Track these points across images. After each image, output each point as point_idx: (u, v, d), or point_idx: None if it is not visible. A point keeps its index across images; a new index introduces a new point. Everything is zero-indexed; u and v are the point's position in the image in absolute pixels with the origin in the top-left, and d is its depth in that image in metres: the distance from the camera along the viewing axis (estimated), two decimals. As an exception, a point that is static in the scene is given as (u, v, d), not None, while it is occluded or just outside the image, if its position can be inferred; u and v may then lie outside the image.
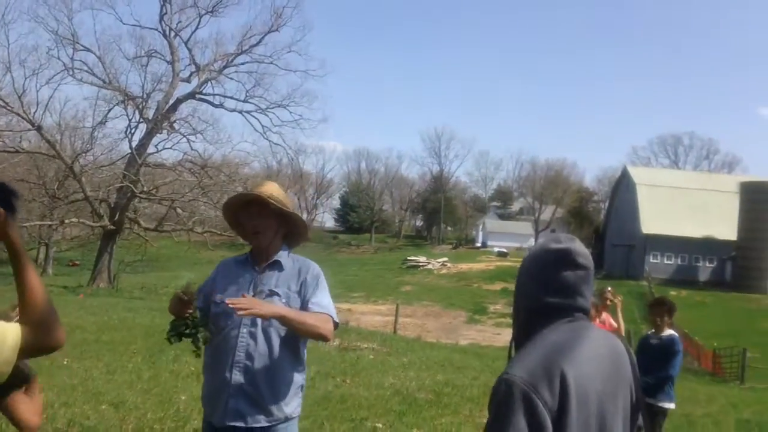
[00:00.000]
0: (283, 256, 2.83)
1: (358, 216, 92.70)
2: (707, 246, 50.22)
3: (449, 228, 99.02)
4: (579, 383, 1.45)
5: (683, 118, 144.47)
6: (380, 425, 6.26)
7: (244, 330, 2.66)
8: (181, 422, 5.54)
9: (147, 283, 33.89)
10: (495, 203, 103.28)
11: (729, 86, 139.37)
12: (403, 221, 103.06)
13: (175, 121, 31.49)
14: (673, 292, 43.43)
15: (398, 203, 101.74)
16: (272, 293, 2.70)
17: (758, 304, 41.62)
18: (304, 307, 2.70)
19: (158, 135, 31.27)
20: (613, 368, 1.60)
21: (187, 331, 2.65)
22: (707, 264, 51.21)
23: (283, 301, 2.70)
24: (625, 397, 1.60)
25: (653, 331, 5.55)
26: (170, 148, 32.08)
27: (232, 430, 2.63)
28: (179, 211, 31.36)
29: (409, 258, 65.78)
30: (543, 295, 1.62)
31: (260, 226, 2.75)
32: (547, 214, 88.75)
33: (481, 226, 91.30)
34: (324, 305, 2.73)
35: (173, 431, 5.37)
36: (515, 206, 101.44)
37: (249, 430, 2.63)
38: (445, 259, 65.29)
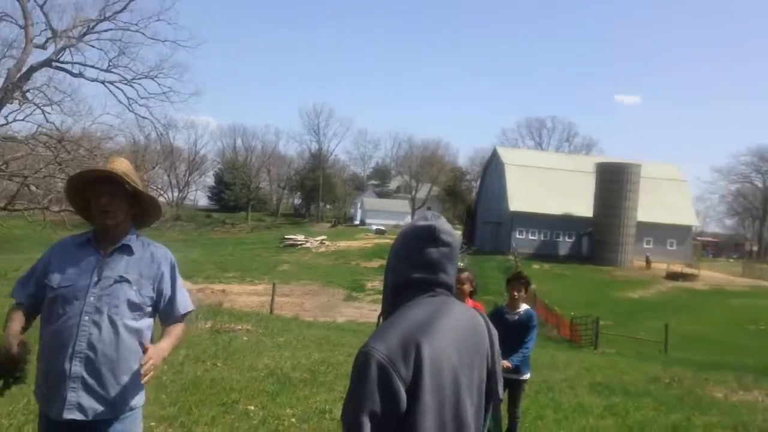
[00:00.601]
0: (132, 239, 2.64)
1: (234, 194, 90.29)
2: (567, 222, 53.77)
3: (328, 206, 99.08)
4: (434, 356, 1.52)
5: (550, 102, 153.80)
6: (252, 407, 6.13)
7: (86, 318, 2.45)
8: (31, 416, 5.08)
9: (-5, 267, 30.99)
10: (373, 181, 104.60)
11: (589, 74, 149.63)
12: (280, 199, 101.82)
13: (27, 91, 28.95)
14: (536, 266, 46.29)
15: (276, 181, 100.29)
16: (122, 279, 2.53)
17: (610, 275, 45.30)
18: (167, 303, 2.63)
19: (8, 105, 28.63)
20: (471, 341, 1.66)
21: None
22: (566, 239, 54.87)
23: (134, 288, 2.54)
24: (482, 369, 1.68)
25: (508, 305, 5.62)
26: (22, 120, 29.49)
27: (72, 423, 2.44)
28: (33, 188, 28.95)
29: (286, 236, 65.20)
30: (408, 271, 1.68)
31: (111, 206, 2.54)
32: (423, 192, 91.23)
33: (359, 204, 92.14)
34: (186, 302, 2.72)
35: (24, 425, 4.92)
36: (393, 184, 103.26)
37: (90, 423, 2.46)
38: (324, 237, 65.37)
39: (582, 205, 52.72)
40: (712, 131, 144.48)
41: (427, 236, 1.68)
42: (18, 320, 2.51)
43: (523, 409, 6.18)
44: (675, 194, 56.41)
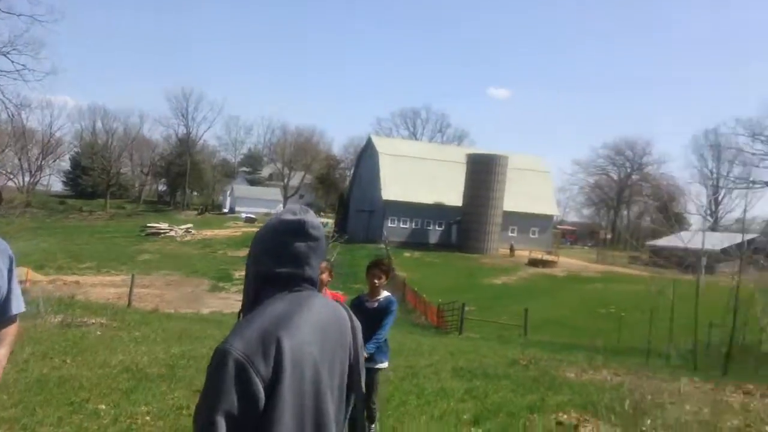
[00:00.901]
0: None
1: (92, 179, 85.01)
2: (437, 211, 55.62)
3: (195, 193, 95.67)
4: (295, 351, 1.51)
5: (425, 92, 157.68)
6: (103, 406, 5.86)
7: None
8: None
9: None
10: (244, 168, 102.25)
11: (463, 66, 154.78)
12: (144, 186, 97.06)
13: None
14: (407, 254, 47.48)
15: (139, 166, 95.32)
16: None
17: (477, 262, 47.38)
18: (2, 301, 2.37)
19: None
20: (333, 335, 1.66)
21: None
22: (437, 228, 56.74)
23: None
24: (343, 363, 1.68)
25: (369, 293, 5.45)
26: None
27: None
28: None
29: (148, 224, 62.70)
30: (274, 265, 1.66)
31: None
32: (296, 180, 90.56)
33: (229, 192, 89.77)
34: (21, 302, 2.48)
35: None
36: (265, 172, 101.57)
37: None
38: (189, 225, 63.47)
39: (453, 194, 54.64)
40: (574, 125, 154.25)
41: (296, 230, 1.67)
42: None
43: (387, 397, 6.22)
44: (539, 185, 59.84)
